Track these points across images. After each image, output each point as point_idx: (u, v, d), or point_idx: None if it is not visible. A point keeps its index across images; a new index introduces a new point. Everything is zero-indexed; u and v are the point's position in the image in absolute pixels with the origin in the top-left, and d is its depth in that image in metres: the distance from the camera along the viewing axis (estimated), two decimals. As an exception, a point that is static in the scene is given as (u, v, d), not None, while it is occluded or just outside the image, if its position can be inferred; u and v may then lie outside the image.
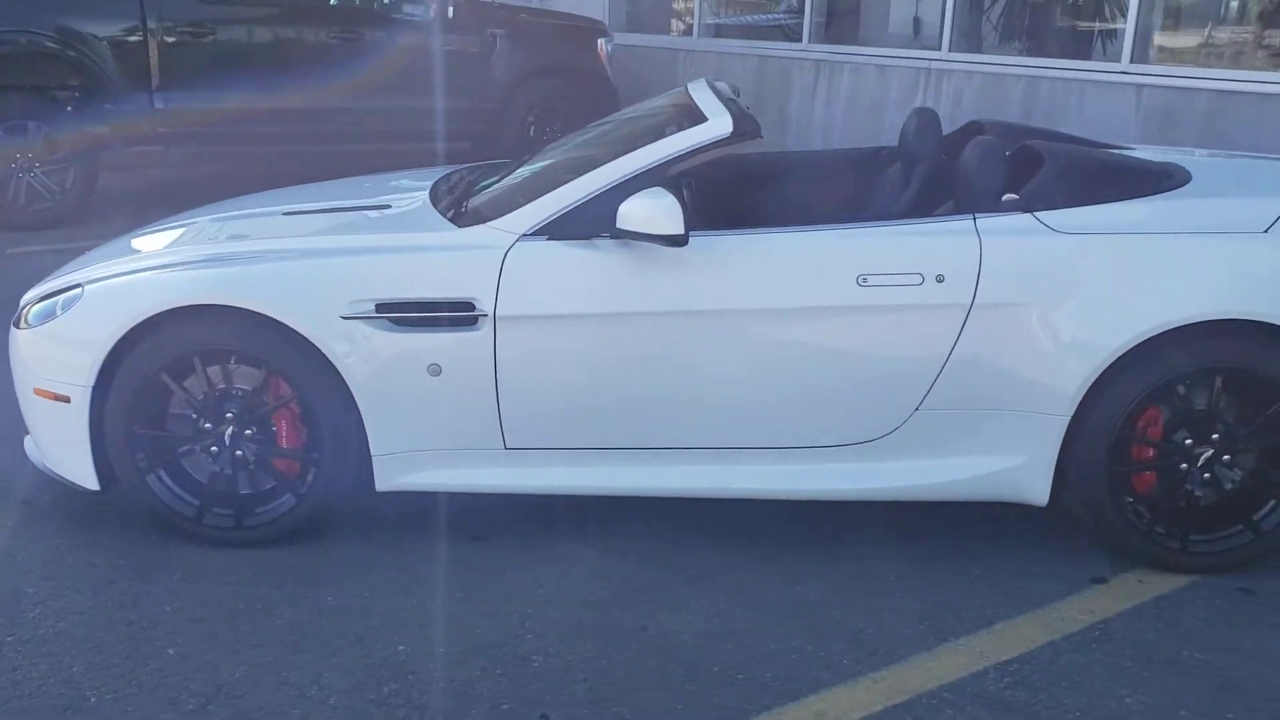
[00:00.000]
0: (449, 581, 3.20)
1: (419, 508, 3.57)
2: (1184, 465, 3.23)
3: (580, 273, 3.21)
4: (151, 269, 3.34)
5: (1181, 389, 3.17)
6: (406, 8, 8.45)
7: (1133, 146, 4.19)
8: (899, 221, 3.26)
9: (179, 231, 3.76)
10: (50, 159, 7.43)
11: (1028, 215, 3.23)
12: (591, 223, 3.22)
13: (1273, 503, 3.25)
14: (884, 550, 3.41)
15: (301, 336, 3.17)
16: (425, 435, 3.29)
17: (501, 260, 3.21)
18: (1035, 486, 3.26)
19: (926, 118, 4.09)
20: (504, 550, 3.38)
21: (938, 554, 3.39)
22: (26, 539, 3.38)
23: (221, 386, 3.30)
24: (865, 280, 3.17)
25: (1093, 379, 3.14)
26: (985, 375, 3.21)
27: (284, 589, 3.15)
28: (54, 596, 3.08)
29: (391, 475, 3.33)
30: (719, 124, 3.32)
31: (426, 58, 8.52)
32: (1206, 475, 3.23)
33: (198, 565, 3.26)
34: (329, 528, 3.45)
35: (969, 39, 8.40)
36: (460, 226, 3.35)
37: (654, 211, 3.07)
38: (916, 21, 9.00)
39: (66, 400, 3.29)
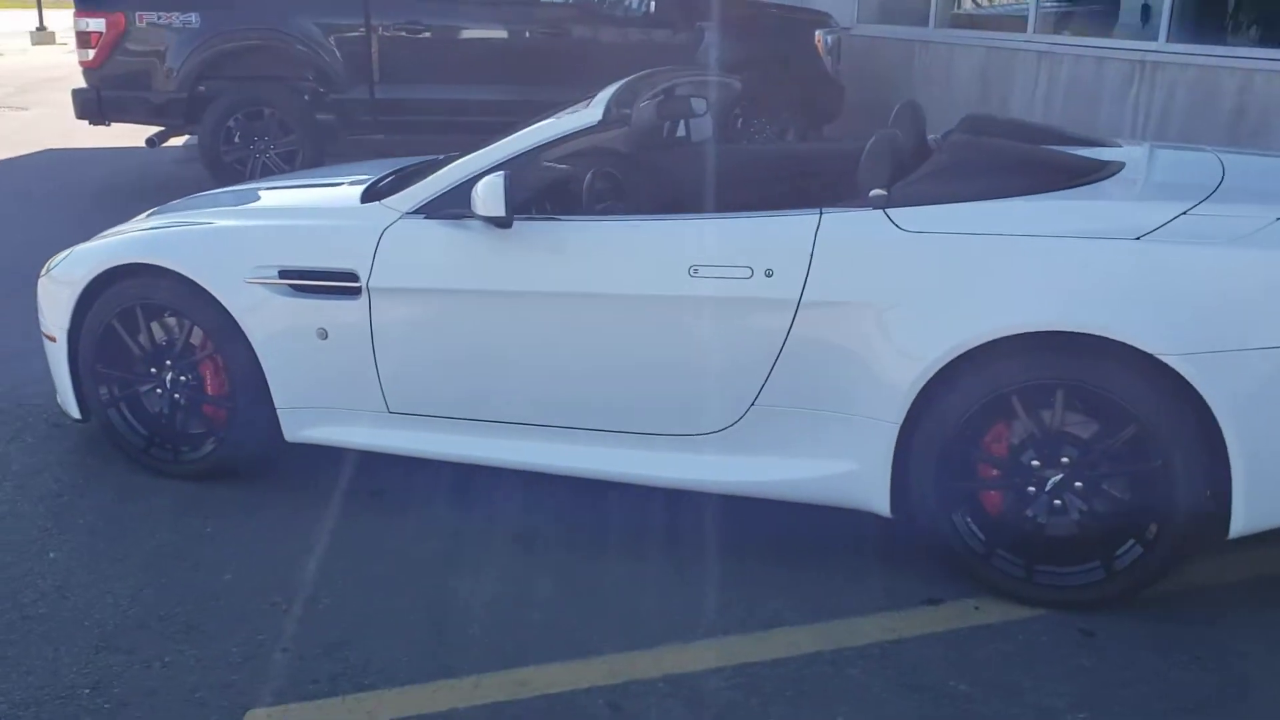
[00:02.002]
0: (317, 527, 3.50)
1: (340, 459, 3.89)
2: (1031, 489, 2.98)
3: (442, 250, 3.40)
4: (125, 232, 3.86)
5: (1022, 405, 2.94)
6: (611, 2, 8.78)
7: (1118, 142, 3.81)
8: (739, 214, 3.21)
9: (196, 198, 4.30)
10: (282, 141, 8.42)
11: (878, 212, 3.09)
12: (461, 203, 3.40)
13: (1132, 541, 2.94)
14: (738, 539, 3.38)
15: (211, 295, 3.58)
16: (319, 394, 3.61)
17: (379, 235, 3.46)
18: (873, 495, 3.12)
19: (909, 111, 3.94)
20: (391, 506, 3.64)
21: (788, 549, 3.32)
22: (31, 453, 4.02)
23: (172, 336, 3.76)
24: (696, 271, 3.16)
25: (919, 386, 2.98)
26: (817, 375, 3.11)
27: (180, 516, 3.57)
28: (4, 500, 3.66)
29: (296, 428, 3.67)
30: (589, 114, 3.41)
31: (630, 51, 8.83)
32: (1056, 502, 2.97)
33: (133, 489, 3.75)
34: (257, 469, 3.84)
35: (1190, 29, 7.66)
36: (363, 203, 3.64)
37: (486, 193, 3.22)
38: (1145, 10, 8.28)
39: (54, 340, 3.88)
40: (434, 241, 3.41)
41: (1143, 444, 2.85)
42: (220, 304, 3.58)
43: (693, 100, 4.25)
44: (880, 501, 3.12)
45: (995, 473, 3.02)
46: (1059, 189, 3.12)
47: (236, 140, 8.36)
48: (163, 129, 8.54)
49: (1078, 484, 2.95)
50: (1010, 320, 2.87)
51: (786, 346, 3.12)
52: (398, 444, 3.58)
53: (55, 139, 11.17)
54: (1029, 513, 3.00)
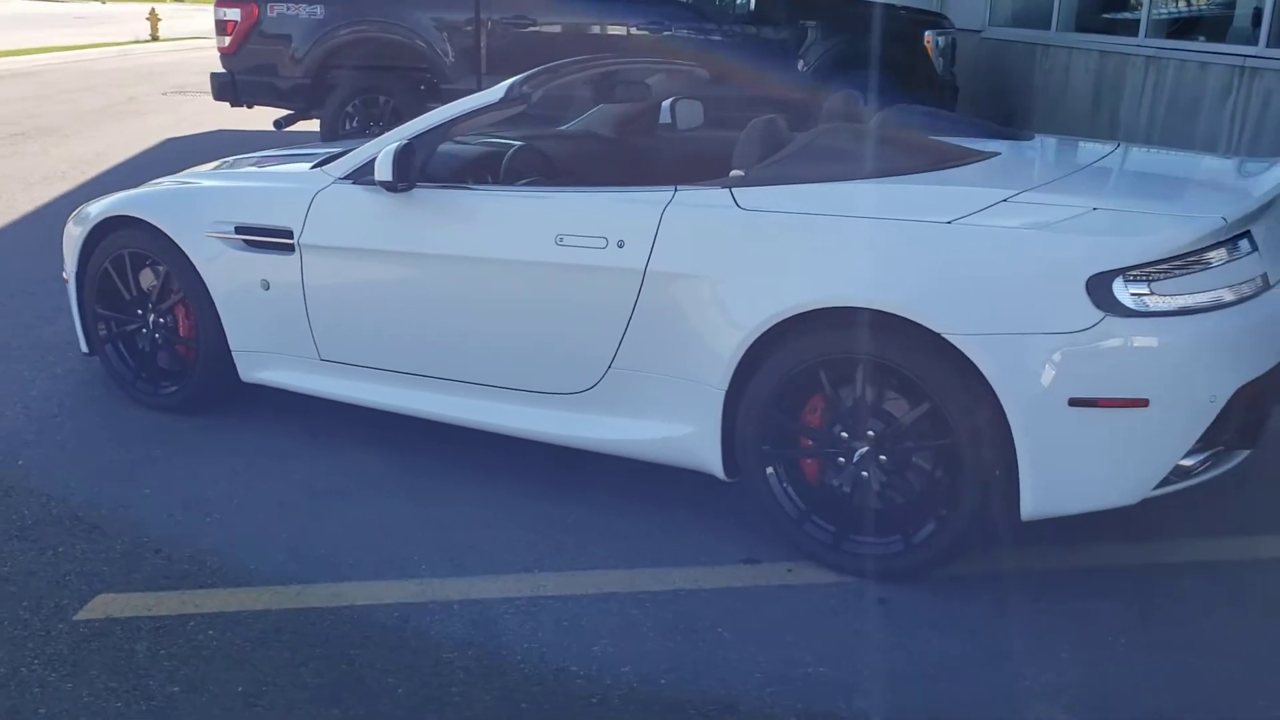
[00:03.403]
0: (246, 458, 3.91)
1: (299, 401, 4.27)
2: (841, 459, 3.11)
3: (357, 212, 3.76)
4: (131, 190, 4.38)
5: (828, 378, 3.06)
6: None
7: (1031, 135, 3.82)
8: (603, 188, 3.43)
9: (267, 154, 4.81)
10: (395, 127, 8.99)
11: (724, 191, 3.26)
12: (379, 171, 3.75)
13: (929, 517, 3.02)
14: (604, 492, 3.61)
15: (179, 246, 4.05)
16: (264, 339, 4.02)
17: (313, 197, 3.85)
18: (708, 458, 3.30)
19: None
20: (321, 445, 4.02)
21: (639, 504, 3.53)
22: (52, 380, 4.60)
23: (154, 282, 4.25)
24: (562, 240, 3.40)
25: (740, 354, 3.14)
26: (661, 342, 3.31)
27: (141, 441, 4.04)
28: (9, 415, 4.24)
29: (248, 369, 4.11)
30: (492, 93, 3.70)
31: (730, 47, 9.01)
32: (864, 473, 3.08)
33: (115, 417, 4.26)
34: (224, 406, 4.28)
35: (1296, 32, 7.30)
36: (310, 169, 4.03)
37: (381, 162, 3.56)
38: (1257, 14, 7.90)
39: (68, 282, 4.45)
40: (352, 204, 3.77)
41: (935, 422, 2.94)
42: (186, 255, 4.04)
43: (635, 86, 4.46)
44: (714, 464, 3.29)
45: (810, 442, 3.16)
46: (908, 174, 3.22)
47: (354, 125, 8.99)
48: (290, 113, 9.25)
49: (881, 457, 3.05)
50: (815, 295, 3.01)
51: (635, 314, 3.32)
52: (325, 389, 3.96)
53: (228, 121, 12.15)
54: (837, 482, 3.12)
